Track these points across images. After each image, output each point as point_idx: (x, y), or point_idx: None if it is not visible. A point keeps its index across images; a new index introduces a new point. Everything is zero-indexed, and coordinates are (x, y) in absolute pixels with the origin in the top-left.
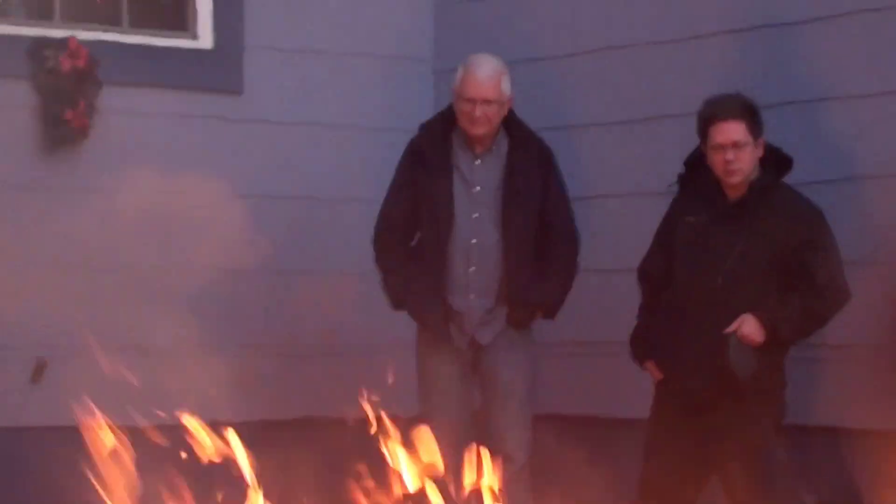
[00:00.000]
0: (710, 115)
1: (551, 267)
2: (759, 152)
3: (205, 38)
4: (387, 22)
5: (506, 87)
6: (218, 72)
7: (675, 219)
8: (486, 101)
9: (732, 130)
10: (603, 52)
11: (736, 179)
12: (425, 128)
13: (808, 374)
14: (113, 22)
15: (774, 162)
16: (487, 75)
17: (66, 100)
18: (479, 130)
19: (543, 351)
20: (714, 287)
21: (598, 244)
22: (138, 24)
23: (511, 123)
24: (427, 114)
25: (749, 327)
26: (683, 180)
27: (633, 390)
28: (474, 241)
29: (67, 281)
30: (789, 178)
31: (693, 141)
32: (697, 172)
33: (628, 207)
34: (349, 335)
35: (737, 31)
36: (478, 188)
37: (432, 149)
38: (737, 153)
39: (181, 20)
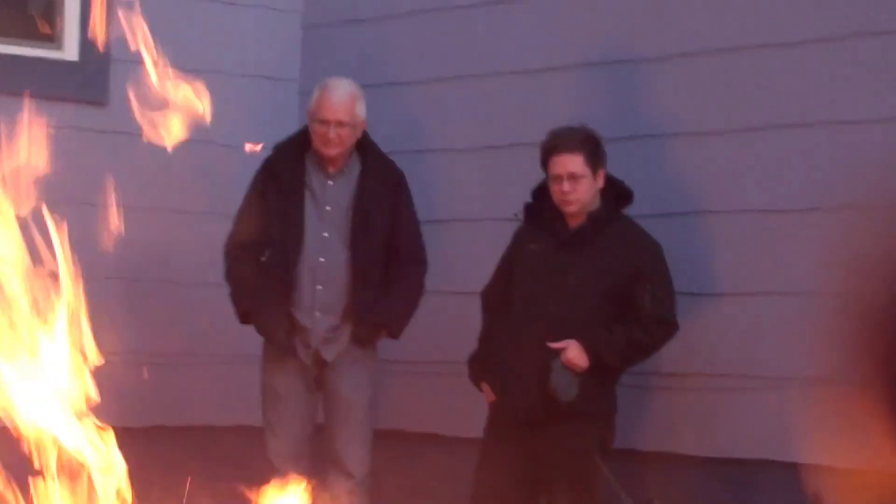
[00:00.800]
0: (550, 146)
1: (397, 287)
2: (599, 184)
3: (70, 49)
4: (254, 42)
5: (360, 110)
6: (83, 83)
7: (519, 246)
8: (340, 124)
9: (570, 162)
10: (463, 80)
11: (572, 209)
12: (279, 148)
13: (640, 400)
14: None
15: (615, 194)
16: (341, 98)
17: None
18: (331, 151)
19: (388, 368)
20: (547, 313)
21: (447, 267)
22: (3, 34)
23: (364, 146)
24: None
25: (573, 352)
26: (529, 209)
27: (473, 410)
28: (322, 259)
29: None
30: (644, 211)
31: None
32: (543, 202)
33: (478, 232)
34: (208, 345)
35: (592, 65)
36: (328, 208)
37: (286, 168)
38: (573, 184)
39: (47, 31)
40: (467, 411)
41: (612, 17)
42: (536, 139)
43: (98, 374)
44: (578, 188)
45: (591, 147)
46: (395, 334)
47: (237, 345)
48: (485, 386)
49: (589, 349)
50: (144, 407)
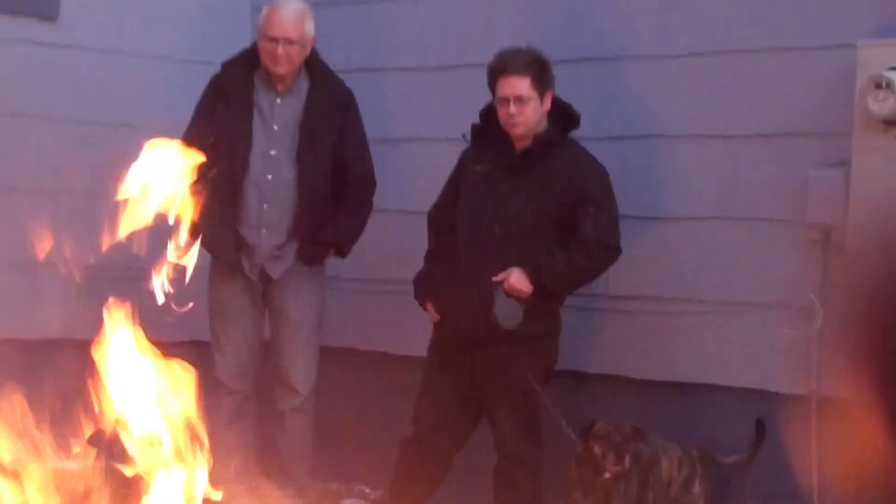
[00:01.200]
0: (497, 68)
1: (345, 207)
2: (546, 107)
3: None
4: None
5: (309, 28)
6: None
7: (465, 167)
8: (288, 41)
9: (517, 84)
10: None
11: (518, 132)
12: (227, 65)
13: (587, 322)
14: None
15: (561, 117)
16: (290, 15)
17: None
18: (280, 70)
19: (336, 286)
20: (492, 235)
21: (397, 186)
22: None
23: (313, 65)
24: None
25: (515, 277)
26: (478, 131)
27: (420, 329)
28: (269, 177)
29: None
30: (592, 134)
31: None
32: (490, 124)
33: (428, 152)
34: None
35: None
36: (276, 126)
37: (233, 86)
38: (519, 107)
39: None
40: (414, 330)
41: None
42: (487, 59)
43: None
44: (525, 111)
45: (538, 69)
46: (342, 253)
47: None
48: (429, 306)
49: (530, 274)
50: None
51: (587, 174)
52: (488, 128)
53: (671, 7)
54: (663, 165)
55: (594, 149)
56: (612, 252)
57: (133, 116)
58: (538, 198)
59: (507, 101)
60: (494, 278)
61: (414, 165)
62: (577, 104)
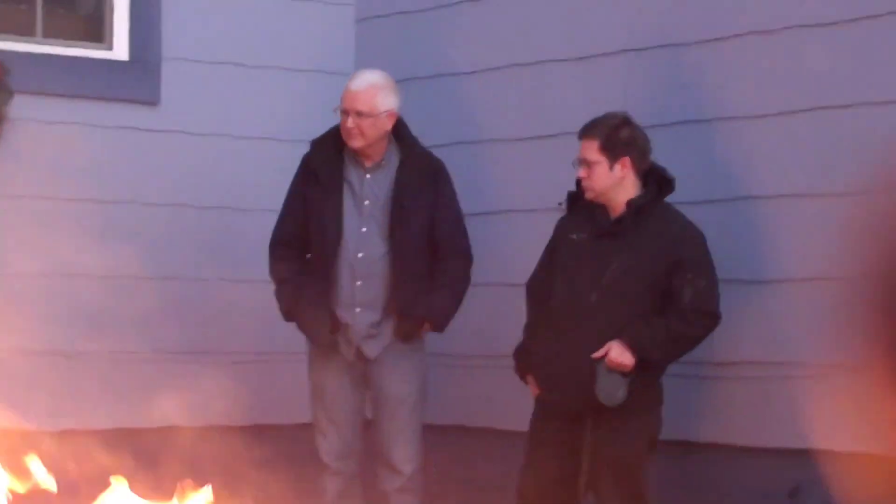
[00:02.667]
0: (579, 133)
1: (439, 281)
2: (619, 173)
3: (120, 49)
4: (307, 35)
5: (383, 101)
6: (134, 83)
7: (561, 236)
8: (358, 113)
9: (585, 148)
10: (509, 69)
11: (588, 195)
12: (316, 143)
13: (691, 391)
14: (27, 32)
15: (657, 182)
16: (361, 88)
17: None
18: (353, 143)
19: (438, 362)
20: (588, 304)
21: (497, 259)
22: (53, 35)
23: (402, 138)
24: None
25: (616, 352)
26: (573, 198)
27: (524, 403)
28: (361, 254)
29: None
30: (689, 198)
31: None
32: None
33: (526, 223)
34: (263, 342)
35: (637, 51)
36: (367, 202)
37: (323, 163)
38: (587, 170)
39: (97, 31)
40: (518, 404)
41: (655, 2)
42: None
43: (161, 372)
44: (592, 174)
45: (610, 133)
46: (438, 328)
47: (291, 342)
48: (530, 379)
49: (630, 347)
50: (200, 405)
51: (683, 238)
52: (583, 196)
53: (765, 67)
54: (763, 227)
55: (693, 212)
56: (711, 319)
57: (234, 199)
58: (634, 265)
59: (577, 164)
60: (594, 355)
61: (513, 237)
62: (675, 167)
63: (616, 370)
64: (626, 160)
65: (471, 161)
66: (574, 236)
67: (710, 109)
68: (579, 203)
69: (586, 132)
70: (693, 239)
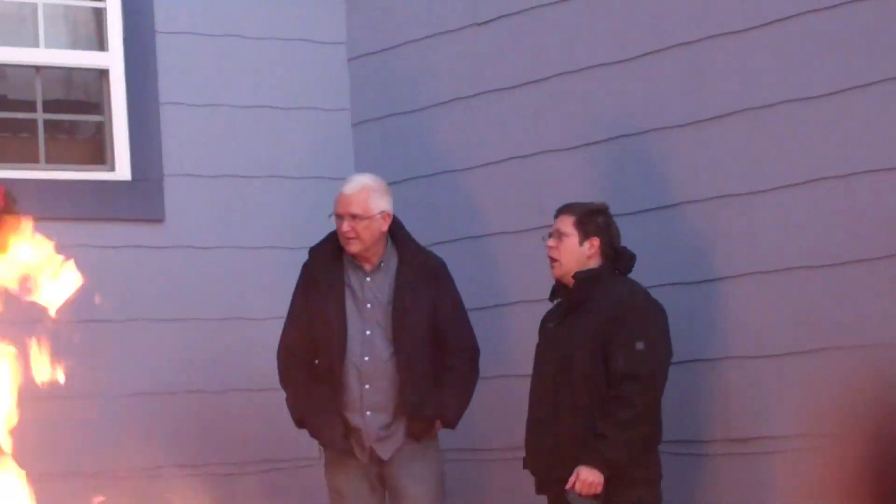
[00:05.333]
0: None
1: (447, 378)
2: (587, 251)
3: (123, 169)
4: (305, 143)
5: (377, 203)
6: (138, 202)
7: (541, 330)
8: (353, 216)
9: (559, 221)
10: (507, 163)
11: (555, 272)
12: (315, 250)
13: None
14: (30, 159)
15: (614, 259)
16: (354, 191)
17: None
18: (351, 248)
19: (451, 457)
20: (550, 385)
21: (507, 351)
22: (56, 160)
23: (399, 240)
24: None
25: (584, 476)
26: (555, 292)
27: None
28: (367, 358)
29: None
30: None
31: None
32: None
33: (533, 314)
34: (278, 450)
35: (631, 136)
36: (369, 305)
37: (323, 270)
38: (557, 241)
39: (99, 154)
40: (536, 496)
41: (642, 87)
42: None
43: (170, 487)
44: (561, 246)
45: (586, 213)
46: (450, 424)
47: (307, 448)
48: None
49: (598, 465)
50: None
51: (626, 303)
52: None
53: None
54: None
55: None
56: (648, 380)
57: (242, 309)
58: (579, 340)
59: (549, 237)
60: (567, 486)
61: (523, 329)
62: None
63: (589, 494)
64: (596, 241)
65: (473, 255)
66: (551, 325)
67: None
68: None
69: (564, 208)
70: (639, 305)
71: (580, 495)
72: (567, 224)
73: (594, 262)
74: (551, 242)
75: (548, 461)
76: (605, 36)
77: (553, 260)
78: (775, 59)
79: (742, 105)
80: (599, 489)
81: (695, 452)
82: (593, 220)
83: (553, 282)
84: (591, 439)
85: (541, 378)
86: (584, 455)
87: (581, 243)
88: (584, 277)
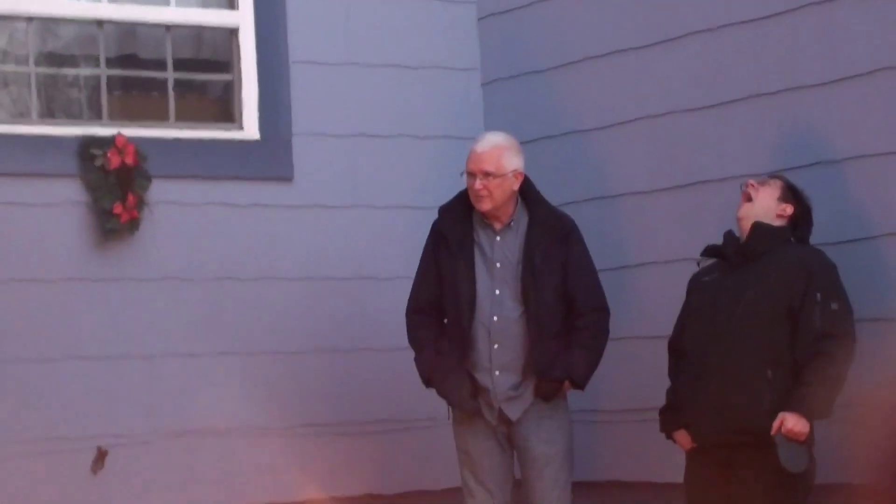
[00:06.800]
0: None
1: (577, 339)
2: (780, 210)
3: (251, 128)
4: (434, 102)
5: (509, 161)
6: (267, 161)
7: (694, 287)
8: (485, 174)
9: (770, 179)
10: (639, 123)
11: (742, 210)
12: (445, 209)
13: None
14: (160, 117)
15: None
16: (487, 149)
17: (115, 195)
18: (482, 206)
19: (583, 419)
20: (725, 336)
21: (635, 312)
22: (185, 119)
23: (530, 199)
24: None
25: (791, 423)
26: (711, 249)
27: (677, 453)
28: (496, 317)
29: (124, 371)
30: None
31: (731, 208)
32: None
33: (668, 275)
34: (406, 410)
35: (766, 95)
36: (498, 265)
37: (453, 229)
38: (760, 185)
39: (227, 112)
40: (669, 456)
41: (776, 47)
42: (719, 175)
43: (301, 445)
44: (762, 190)
45: (794, 187)
46: (579, 385)
47: (435, 408)
48: (678, 435)
49: (804, 412)
50: (345, 475)
51: (816, 263)
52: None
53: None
54: None
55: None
56: (845, 339)
57: (372, 269)
58: (761, 287)
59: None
60: (772, 432)
61: (651, 290)
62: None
63: (794, 440)
64: (790, 208)
65: (604, 216)
66: (707, 279)
67: (844, 150)
68: (715, 250)
69: (776, 175)
70: (820, 263)
71: (787, 439)
72: (775, 183)
73: (779, 224)
74: (754, 181)
75: (714, 410)
76: None
77: (747, 200)
78: None
79: (880, 64)
80: (802, 438)
81: None
82: (798, 194)
83: (704, 240)
84: (800, 388)
85: (702, 329)
86: (791, 403)
87: (779, 201)
88: (766, 230)
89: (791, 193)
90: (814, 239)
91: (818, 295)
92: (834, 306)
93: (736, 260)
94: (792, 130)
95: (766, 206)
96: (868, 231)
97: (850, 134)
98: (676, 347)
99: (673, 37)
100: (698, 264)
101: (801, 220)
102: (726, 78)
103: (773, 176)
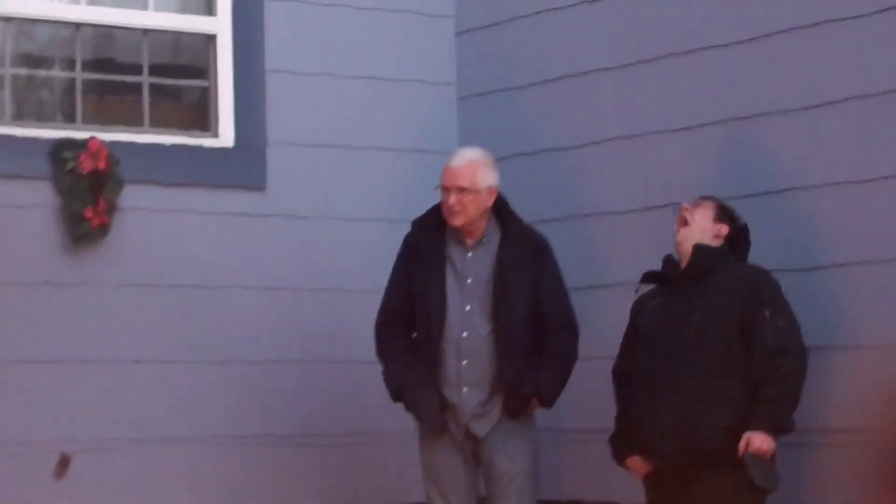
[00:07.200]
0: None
1: (546, 356)
2: (716, 230)
3: (226, 136)
4: (410, 116)
5: (484, 177)
6: (240, 169)
7: (639, 311)
8: (460, 190)
9: (701, 201)
10: (612, 143)
11: (679, 235)
12: (417, 223)
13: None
14: (135, 122)
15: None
16: (462, 164)
17: (86, 199)
18: (455, 221)
19: (548, 437)
20: (676, 358)
21: (607, 332)
22: (160, 125)
23: (504, 216)
24: None
25: (758, 442)
26: (649, 275)
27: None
28: (465, 333)
29: (89, 376)
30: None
31: None
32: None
33: (633, 295)
34: (374, 423)
35: (740, 119)
36: (469, 280)
37: (425, 243)
38: (694, 207)
39: (203, 119)
40: (631, 477)
41: (751, 71)
42: (692, 197)
43: (267, 456)
44: (696, 212)
45: (727, 207)
46: (547, 404)
47: (401, 422)
48: (631, 462)
49: (768, 429)
50: (304, 488)
51: (761, 281)
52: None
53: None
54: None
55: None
56: (797, 354)
57: (342, 280)
58: (708, 307)
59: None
60: (740, 454)
61: (624, 310)
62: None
63: (762, 458)
64: (726, 229)
65: (577, 234)
66: (652, 304)
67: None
68: (654, 276)
69: (707, 197)
70: (765, 278)
71: (754, 458)
72: (708, 204)
73: (717, 244)
74: (687, 204)
75: (672, 430)
76: (716, 18)
77: (683, 224)
78: (890, 45)
79: (854, 92)
80: (770, 454)
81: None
82: (731, 213)
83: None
84: (760, 406)
85: (651, 353)
86: (754, 422)
87: (714, 221)
88: (707, 251)
89: (724, 213)
90: (795, 264)
91: (767, 312)
92: (781, 322)
93: (680, 283)
94: (765, 155)
95: (703, 228)
96: (848, 256)
97: (825, 160)
98: (621, 373)
99: (649, 58)
100: (636, 291)
101: (738, 238)
102: (701, 101)
103: (704, 197)
